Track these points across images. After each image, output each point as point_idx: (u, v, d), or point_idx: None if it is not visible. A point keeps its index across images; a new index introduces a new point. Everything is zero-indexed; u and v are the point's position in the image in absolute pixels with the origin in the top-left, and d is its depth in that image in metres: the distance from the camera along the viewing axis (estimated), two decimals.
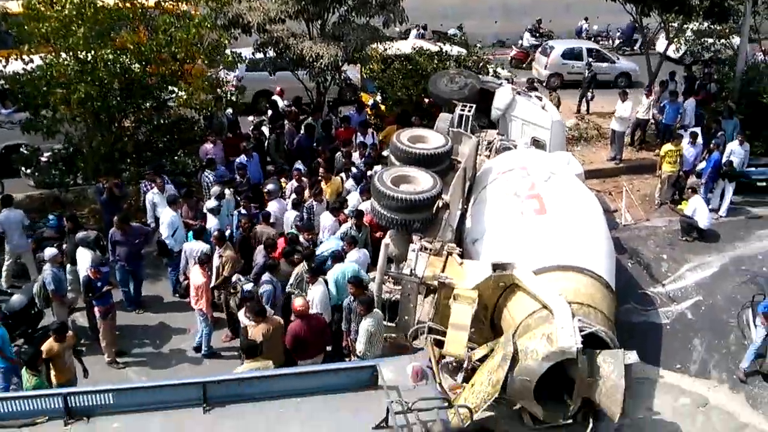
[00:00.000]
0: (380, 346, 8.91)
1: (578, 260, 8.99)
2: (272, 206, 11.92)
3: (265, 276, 9.88)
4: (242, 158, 13.33)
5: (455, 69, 15.92)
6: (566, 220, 9.60)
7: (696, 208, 13.79)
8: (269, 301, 9.57)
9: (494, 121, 14.08)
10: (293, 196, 11.99)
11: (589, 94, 20.22)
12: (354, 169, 12.96)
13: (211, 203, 11.64)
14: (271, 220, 11.46)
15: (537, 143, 13.20)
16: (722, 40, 21.98)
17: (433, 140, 11.14)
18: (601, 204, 11.97)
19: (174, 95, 13.44)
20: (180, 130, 14.00)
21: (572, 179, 10.99)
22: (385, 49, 16.70)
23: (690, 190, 14.43)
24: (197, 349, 10.53)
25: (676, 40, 21.05)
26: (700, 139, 15.49)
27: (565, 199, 10.12)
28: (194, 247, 10.78)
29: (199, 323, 10.47)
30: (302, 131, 14.75)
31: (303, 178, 12.60)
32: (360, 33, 15.01)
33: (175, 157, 13.74)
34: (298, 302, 8.91)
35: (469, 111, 12.47)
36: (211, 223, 11.45)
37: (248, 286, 9.58)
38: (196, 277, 10.10)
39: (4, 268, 11.69)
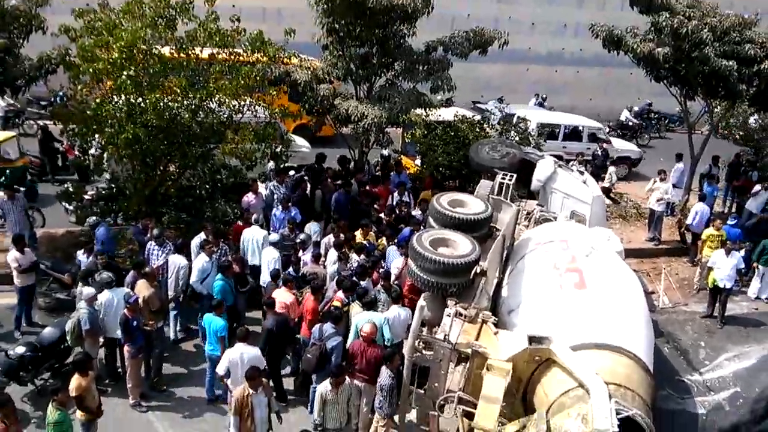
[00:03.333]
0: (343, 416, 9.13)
1: (617, 339, 8.74)
2: (306, 257, 12.01)
3: (329, 327, 9.89)
4: (279, 211, 13.50)
5: (497, 138, 16.03)
6: (607, 297, 9.39)
7: (697, 212, 14.81)
8: (340, 355, 9.77)
9: (534, 193, 14.02)
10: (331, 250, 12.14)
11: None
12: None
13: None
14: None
15: (577, 217, 13.06)
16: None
17: (473, 206, 11.10)
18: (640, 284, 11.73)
19: (220, 144, 13.67)
20: (222, 178, 14.18)
21: (613, 256, 10.81)
22: (428, 115, 16.94)
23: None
24: None
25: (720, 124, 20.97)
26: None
27: (606, 275, 9.92)
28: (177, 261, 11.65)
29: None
30: (339, 190, 14.87)
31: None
32: (405, 97, 15.28)
33: (216, 204, 13.88)
34: (366, 328, 9.64)
35: (510, 180, 12.45)
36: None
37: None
38: (285, 297, 10.77)
39: None
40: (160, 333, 10.64)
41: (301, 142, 19.00)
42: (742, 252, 14.55)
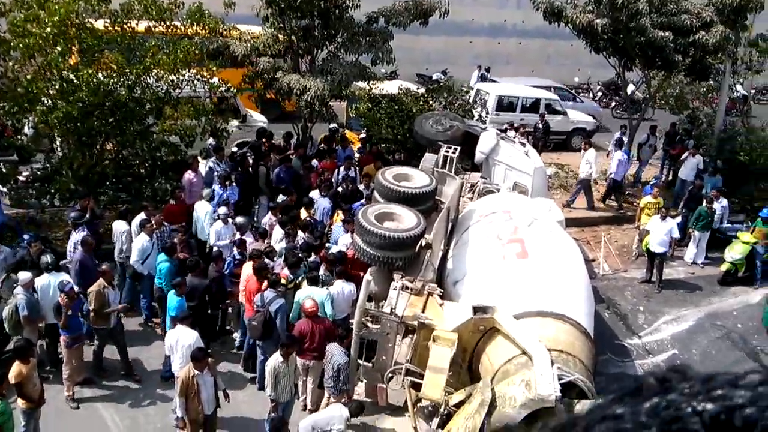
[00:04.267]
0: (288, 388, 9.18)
1: (559, 307, 8.95)
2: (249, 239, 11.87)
3: (270, 292, 9.91)
4: (217, 189, 13.24)
5: (441, 111, 16.07)
6: (548, 266, 9.58)
7: (620, 160, 16.58)
8: (284, 317, 9.90)
9: (478, 165, 14.14)
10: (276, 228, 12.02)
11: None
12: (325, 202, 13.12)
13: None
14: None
15: (519, 188, 13.26)
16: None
17: (417, 179, 11.13)
18: (581, 252, 12.01)
19: (159, 121, 13.32)
20: (162, 156, 13.81)
21: (554, 225, 11.02)
22: (371, 89, 16.86)
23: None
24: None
25: (658, 95, 21.47)
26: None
27: (547, 244, 10.12)
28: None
29: None
30: (281, 165, 14.66)
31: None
32: (348, 69, 15.14)
33: (156, 183, 13.56)
34: (307, 304, 9.57)
35: (454, 153, 12.52)
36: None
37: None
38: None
39: None
40: (106, 331, 10.32)
41: (258, 117, 18.66)
42: (679, 219, 15.04)
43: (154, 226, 11.55)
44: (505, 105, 22.49)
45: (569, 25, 17.96)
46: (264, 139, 15.60)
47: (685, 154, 18.12)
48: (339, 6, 15.32)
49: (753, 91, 29.42)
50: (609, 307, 13.23)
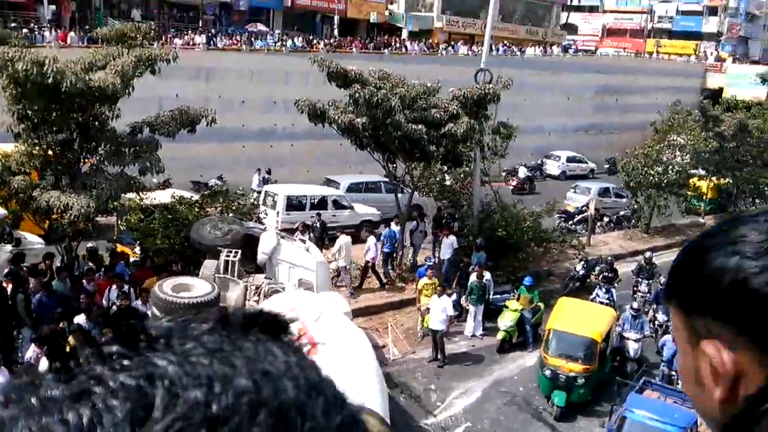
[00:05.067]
0: None
1: (353, 398, 8.96)
2: None
3: None
4: None
5: (218, 216, 15.89)
6: (337, 359, 9.62)
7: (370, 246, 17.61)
8: None
9: (261, 266, 14.09)
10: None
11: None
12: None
13: None
14: None
15: (305, 285, 13.38)
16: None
17: (198, 288, 10.82)
18: (370, 340, 12.29)
19: None
20: None
21: (341, 317, 11.20)
22: (141, 199, 16.26)
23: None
24: None
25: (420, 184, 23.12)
26: None
27: (334, 337, 10.20)
28: None
29: None
30: (40, 291, 13.27)
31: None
32: (113, 182, 14.48)
33: None
34: None
35: (235, 256, 12.41)
36: None
37: None
38: None
39: None
40: None
41: (33, 239, 17.01)
42: (454, 296, 16.05)
43: None
44: (294, 204, 23.22)
45: (333, 125, 18.93)
46: (21, 264, 14.18)
47: (441, 236, 19.67)
48: (98, 118, 14.77)
49: (504, 173, 33.13)
50: (402, 390, 13.53)
